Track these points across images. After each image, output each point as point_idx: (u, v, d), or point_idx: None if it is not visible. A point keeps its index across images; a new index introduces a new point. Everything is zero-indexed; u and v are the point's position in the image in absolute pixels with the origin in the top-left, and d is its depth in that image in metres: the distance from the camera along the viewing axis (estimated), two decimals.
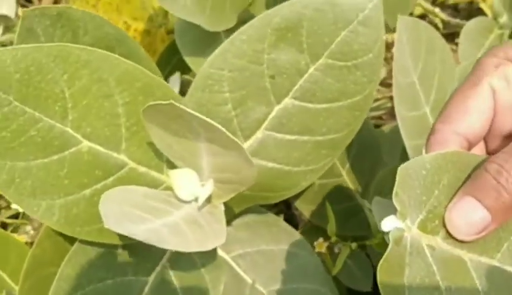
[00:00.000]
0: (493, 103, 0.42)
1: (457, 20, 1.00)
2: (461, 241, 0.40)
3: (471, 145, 0.44)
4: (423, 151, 0.45)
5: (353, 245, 0.62)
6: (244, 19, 0.56)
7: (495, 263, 0.39)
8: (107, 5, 0.73)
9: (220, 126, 0.41)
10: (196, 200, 0.46)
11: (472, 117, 0.42)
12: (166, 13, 0.77)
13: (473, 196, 0.39)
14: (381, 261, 0.39)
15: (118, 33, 0.52)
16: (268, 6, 0.73)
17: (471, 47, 0.77)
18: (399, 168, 0.40)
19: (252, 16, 0.51)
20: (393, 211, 0.66)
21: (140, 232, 0.38)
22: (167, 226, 0.41)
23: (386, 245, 0.62)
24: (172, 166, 0.48)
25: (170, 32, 0.78)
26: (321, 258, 0.67)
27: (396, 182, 0.40)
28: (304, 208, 0.70)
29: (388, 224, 0.41)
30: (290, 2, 0.51)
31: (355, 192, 0.72)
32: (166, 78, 0.77)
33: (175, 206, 0.45)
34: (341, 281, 0.72)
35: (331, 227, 0.64)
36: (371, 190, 0.72)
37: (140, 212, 0.41)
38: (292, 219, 0.81)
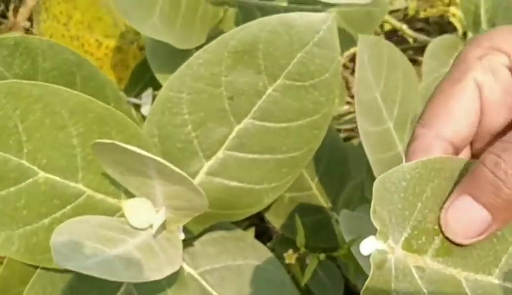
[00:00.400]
0: (479, 101, 0.37)
1: (424, 37, 1.01)
2: (460, 245, 0.35)
3: (457, 150, 0.38)
4: (403, 160, 0.39)
5: (322, 256, 0.63)
6: (214, 36, 0.56)
7: (494, 280, 0.34)
8: (79, 23, 0.74)
9: (166, 162, 0.42)
10: (150, 226, 0.47)
11: (457, 119, 0.37)
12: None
13: (470, 195, 0.34)
14: (363, 290, 0.34)
15: (78, 58, 0.53)
16: (237, 23, 0.74)
17: (436, 64, 0.78)
18: (375, 182, 0.35)
19: (222, 33, 0.52)
20: (363, 224, 0.68)
21: (91, 265, 0.39)
22: (120, 257, 0.42)
23: (353, 256, 0.64)
24: (129, 193, 0.49)
25: (142, 48, 0.79)
26: (290, 270, 0.68)
27: (373, 198, 0.35)
28: (275, 221, 0.71)
29: (367, 246, 0.35)
30: (246, 25, 0.52)
31: (324, 204, 0.74)
32: (139, 94, 0.78)
33: (130, 234, 0.46)
34: (312, 292, 0.73)
35: (300, 238, 0.65)
36: (339, 203, 0.73)
37: (93, 243, 0.41)
38: (266, 232, 0.82)
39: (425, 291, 0.34)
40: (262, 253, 0.62)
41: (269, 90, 0.52)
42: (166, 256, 0.46)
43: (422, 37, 1.03)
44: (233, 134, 0.53)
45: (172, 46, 0.69)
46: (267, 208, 0.70)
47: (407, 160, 0.38)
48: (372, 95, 0.61)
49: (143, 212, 0.47)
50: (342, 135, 0.96)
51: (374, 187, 0.35)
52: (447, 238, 0.35)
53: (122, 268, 0.41)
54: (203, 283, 0.59)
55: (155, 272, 0.43)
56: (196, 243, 0.60)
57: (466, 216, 0.34)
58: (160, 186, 0.46)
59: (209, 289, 0.59)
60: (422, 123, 0.37)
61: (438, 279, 0.35)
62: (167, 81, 0.52)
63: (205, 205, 0.47)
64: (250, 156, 0.54)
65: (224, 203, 0.55)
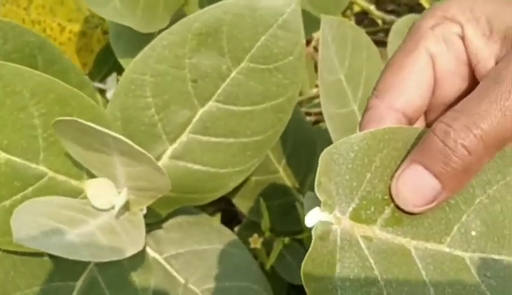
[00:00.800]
0: (432, 71, 0.36)
1: (392, 17, 1.01)
2: (410, 213, 0.34)
3: (411, 121, 0.38)
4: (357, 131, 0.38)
5: (286, 239, 0.63)
6: (177, 19, 0.56)
7: (444, 248, 0.34)
8: (40, 7, 0.73)
9: (127, 140, 0.42)
10: (113, 207, 0.47)
11: (409, 89, 0.36)
12: None
13: (420, 163, 0.33)
14: (304, 261, 0.33)
15: (40, 41, 0.52)
16: (202, 6, 0.74)
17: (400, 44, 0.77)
18: (322, 154, 0.35)
19: (185, 16, 0.52)
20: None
21: (51, 245, 0.39)
22: (81, 236, 0.41)
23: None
24: (91, 174, 0.48)
25: (106, 32, 0.78)
26: (258, 254, 0.68)
27: (319, 170, 0.34)
28: (242, 205, 0.71)
29: (312, 218, 0.35)
30: (210, 7, 0.51)
31: (291, 187, 0.74)
32: (104, 79, 0.77)
33: (92, 215, 0.45)
34: (280, 275, 0.73)
35: (265, 222, 0.65)
36: (307, 186, 0.73)
37: (54, 223, 0.41)
38: (236, 217, 0.82)
39: (371, 260, 0.34)
40: (227, 238, 0.62)
41: (233, 73, 0.52)
42: (128, 237, 0.45)
43: (391, 18, 1.03)
44: (197, 117, 0.53)
45: (136, 30, 0.68)
46: (235, 192, 0.70)
47: (359, 131, 0.37)
48: (336, 77, 0.61)
49: (105, 193, 0.46)
50: (312, 118, 0.96)
51: (320, 159, 0.35)
52: (397, 207, 0.35)
53: (83, 248, 0.41)
54: (168, 267, 0.59)
55: (117, 252, 0.43)
56: (161, 229, 0.60)
57: (416, 184, 0.33)
58: (122, 166, 0.45)
59: (174, 273, 0.59)
60: (376, 94, 0.37)
61: (386, 249, 0.34)
62: (130, 63, 0.51)
63: (167, 186, 0.47)
64: (214, 139, 0.53)
65: (188, 186, 0.54)
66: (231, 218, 0.83)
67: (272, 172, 0.72)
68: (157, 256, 0.59)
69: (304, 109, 1.00)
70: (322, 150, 0.72)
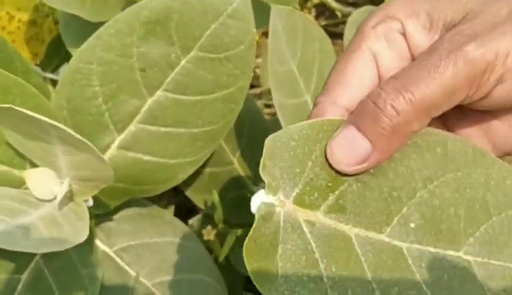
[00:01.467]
0: (375, 69, 0.37)
1: (351, 9, 1.01)
2: (344, 174, 0.35)
3: None
4: None
5: (239, 232, 0.63)
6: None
7: (384, 238, 0.35)
8: None
9: (67, 128, 0.41)
10: (55, 198, 0.46)
11: (352, 86, 0.37)
12: None
13: (354, 124, 0.34)
14: (246, 240, 0.34)
15: None
16: None
17: None
18: (266, 139, 0.36)
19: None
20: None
21: None
22: (22, 227, 0.40)
23: None
24: (34, 164, 0.47)
25: (58, 22, 0.77)
26: (212, 246, 0.68)
27: (264, 153, 0.35)
28: (196, 197, 0.70)
29: (256, 200, 0.35)
30: None
31: (247, 179, 0.73)
32: (56, 69, 0.75)
33: (34, 205, 0.44)
34: (236, 268, 0.73)
35: (218, 214, 0.64)
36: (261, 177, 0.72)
37: None
38: (194, 209, 0.80)
39: (313, 244, 0.34)
40: (180, 230, 0.61)
41: (183, 62, 0.51)
42: (72, 228, 0.44)
43: (345, 9, 1.03)
44: (146, 106, 0.52)
45: (86, 20, 0.66)
46: (189, 184, 0.69)
47: None
48: (288, 67, 0.60)
49: (47, 182, 0.45)
50: (272, 110, 0.95)
51: (265, 144, 0.36)
52: (331, 167, 0.35)
53: (23, 238, 0.40)
54: (118, 260, 0.58)
55: (59, 243, 0.42)
56: (112, 221, 0.59)
57: (349, 145, 0.34)
58: (63, 155, 0.44)
59: (125, 266, 0.58)
60: (323, 91, 0.38)
61: (328, 235, 0.35)
62: (76, 52, 0.50)
63: (111, 176, 0.46)
64: (164, 129, 0.53)
65: (138, 177, 0.54)
66: (188, 210, 0.81)
67: (226, 164, 0.71)
68: (107, 249, 0.58)
69: (263, 101, 0.99)
70: None
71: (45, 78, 0.75)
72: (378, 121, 0.33)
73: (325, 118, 0.36)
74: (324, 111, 0.37)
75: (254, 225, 0.34)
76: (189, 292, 0.59)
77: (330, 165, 0.35)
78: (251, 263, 0.34)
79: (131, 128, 0.52)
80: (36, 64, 0.76)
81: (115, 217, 0.59)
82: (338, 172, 0.35)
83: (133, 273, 0.57)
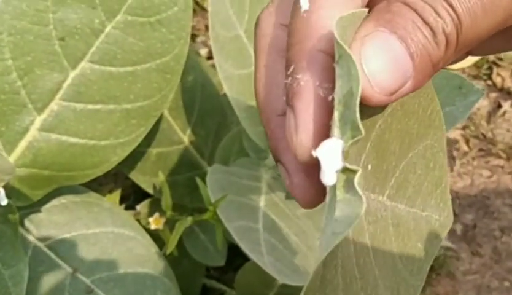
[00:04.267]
0: None
1: None
2: (374, 104, 0.23)
3: None
4: None
5: (189, 220, 0.56)
6: None
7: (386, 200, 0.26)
8: None
9: None
10: None
11: None
12: None
13: (391, 31, 0.24)
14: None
15: None
16: None
17: None
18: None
19: None
20: (236, 180, 0.61)
21: None
22: None
23: (218, 219, 0.55)
24: None
25: None
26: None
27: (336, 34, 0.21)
28: (141, 180, 0.63)
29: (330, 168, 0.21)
30: None
31: (200, 159, 0.67)
32: None
33: None
34: (195, 259, 0.67)
35: (166, 200, 0.58)
36: (216, 156, 0.66)
37: None
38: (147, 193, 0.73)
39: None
40: (121, 218, 0.55)
41: (108, 28, 0.45)
42: None
43: None
44: (68, 81, 0.46)
45: None
46: (133, 167, 0.63)
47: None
48: (234, 32, 0.53)
49: None
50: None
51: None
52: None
53: None
54: (52, 255, 0.52)
55: None
56: (42, 210, 0.52)
57: (389, 55, 0.24)
58: None
59: (59, 262, 0.52)
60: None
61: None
62: None
63: (11, 167, 0.39)
64: (91, 107, 0.46)
65: (64, 163, 0.47)
66: (145, 195, 0.74)
67: (176, 143, 0.65)
68: (39, 243, 0.52)
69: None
70: (232, 117, 0.65)
71: None
72: (434, 39, 0.24)
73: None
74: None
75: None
76: (134, 289, 0.53)
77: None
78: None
79: (53, 106, 0.46)
80: None
81: (46, 207, 0.52)
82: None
83: (69, 269, 0.51)
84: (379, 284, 0.25)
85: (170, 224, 0.60)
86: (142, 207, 0.66)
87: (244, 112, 0.53)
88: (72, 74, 0.45)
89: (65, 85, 0.45)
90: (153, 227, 0.58)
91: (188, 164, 0.67)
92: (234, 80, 0.53)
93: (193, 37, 0.98)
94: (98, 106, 0.46)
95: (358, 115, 0.21)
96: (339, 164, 0.20)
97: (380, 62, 0.24)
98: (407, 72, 0.24)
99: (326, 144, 0.21)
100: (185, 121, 0.65)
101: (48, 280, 0.51)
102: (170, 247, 0.55)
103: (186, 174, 0.67)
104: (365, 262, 0.25)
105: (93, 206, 0.54)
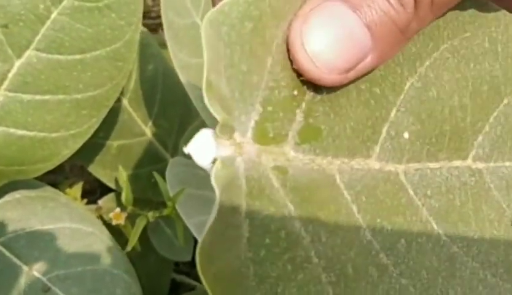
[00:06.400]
0: None
1: None
2: (330, 85, 0.22)
3: None
4: None
5: (150, 215, 0.55)
6: None
7: (374, 164, 0.23)
8: None
9: None
10: None
11: None
12: None
13: (344, 2, 0.22)
14: (201, 242, 0.21)
15: None
16: None
17: None
18: (202, 25, 0.21)
19: None
20: (198, 172, 0.59)
21: None
22: None
23: (177, 214, 0.54)
24: None
25: None
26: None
27: (205, 59, 0.21)
28: (102, 174, 0.61)
29: (200, 151, 0.21)
30: None
31: (163, 151, 0.65)
32: None
33: None
34: (161, 254, 0.65)
35: (126, 194, 0.56)
36: (180, 148, 0.64)
37: None
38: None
39: (290, 207, 0.22)
40: (79, 214, 0.53)
41: (54, 14, 0.43)
42: None
43: None
44: (14, 70, 0.44)
45: None
46: (93, 160, 0.61)
47: None
48: (190, 19, 0.51)
49: None
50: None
51: (203, 35, 0.21)
52: (298, 73, 0.22)
53: None
54: (6, 252, 0.50)
55: None
56: None
57: (339, 31, 0.22)
58: None
59: (14, 259, 0.50)
60: None
61: (307, 183, 0.23)
62: None
63: None
64: (39, 97, 0.44)
65: (12, 157, 0.45)
66: (109, 190, 0.72)
67: (138, 135, 0.63)
68: None
69: None
70: (196, 106, 0.63)
71: None
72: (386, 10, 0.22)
73: None
74: None
75: (215, 208, 0.20)
76: (92, 286, 0.51)
77: (296, 62, 0.22)
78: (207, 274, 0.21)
79: None
80: None
81: None
82: (299, 75, 0.23)
83: (25, 267, 0.50)
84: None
85: (133, 219, 0.59)
86: (105, 202, 0.64)
87: (202, 103, 0.51)
88: (18, 63, 0.43)
89: (10, 75, 0.43)
90: (114, 222, 0.57)
91: (151, 157, 0.65)
92: (191, 69, 0.51)
93: (159, 26, 0.96)
94: (47, 97, 0.44)
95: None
96: (213, 153, 0.19)
97: (325, 39, 0.22)
98: (364, 45, 0.22)
99: (197, 138, 0.21)
100: (146, 112, 0.63)
101: (2, 279, 0.49)
102: (131, 243, 0.53)
103: (149, 167, 0.65)
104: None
105: (49, 201, 0.52)
